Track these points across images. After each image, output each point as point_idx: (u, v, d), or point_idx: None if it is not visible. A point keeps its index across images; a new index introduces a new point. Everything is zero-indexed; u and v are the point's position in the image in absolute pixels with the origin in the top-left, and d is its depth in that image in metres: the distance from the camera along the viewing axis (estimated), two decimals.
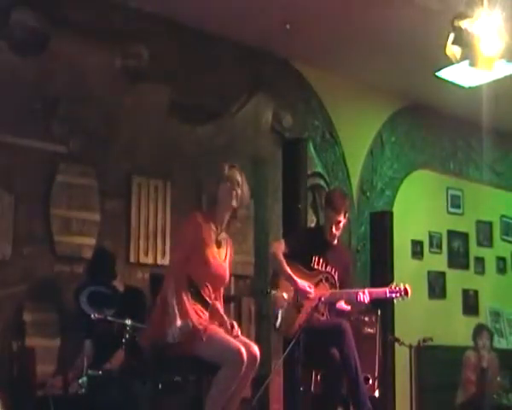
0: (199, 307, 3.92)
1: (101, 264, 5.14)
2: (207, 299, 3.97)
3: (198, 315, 3.88)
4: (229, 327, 3.96)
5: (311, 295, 4.74)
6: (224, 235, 4.08)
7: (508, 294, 8.54)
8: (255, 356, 3.85)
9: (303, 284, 4.77)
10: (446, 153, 8.27)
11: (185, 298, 3.83)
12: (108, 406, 4.24)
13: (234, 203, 4.02)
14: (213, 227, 4.01)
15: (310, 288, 4.77)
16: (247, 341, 3.97)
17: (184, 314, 3.77)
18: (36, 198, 5.21)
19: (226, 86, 6.34)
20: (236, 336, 3.92)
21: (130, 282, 5.39)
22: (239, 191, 4.03)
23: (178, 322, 3.73)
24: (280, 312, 4.79)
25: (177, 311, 3.76)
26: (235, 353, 3.70)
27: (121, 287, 5.14)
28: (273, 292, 4.90)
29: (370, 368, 5.30)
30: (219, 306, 4.09)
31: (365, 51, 6.50)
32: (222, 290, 4.13)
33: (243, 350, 3.70)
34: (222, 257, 4.05)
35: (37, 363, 4.91)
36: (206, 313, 3.97)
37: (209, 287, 3.97)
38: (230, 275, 4.16)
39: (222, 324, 4.02)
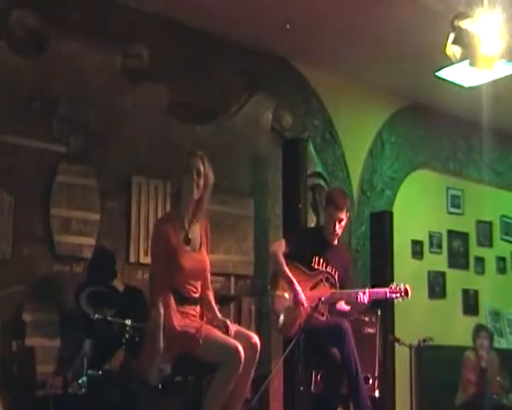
0: (188, 308, 3.92)
1: (101, 264, 5.13)
2: (193, 295, 3.96)
3: (190, 316, 3.89)
4: (224, 329, 3.89)
5: (303, 307, 4.72)
6: (194, 227, 3.99)
7: (508, 294, 8.54)
8: (256, 346, 3.84)
9: (300, 291, 4.76)
10: (446, 153, 8.26)
11: (174, 316, 3.81)
12: (108, 406, 4.24)
13: (195, 196, 3.91)
14: (178, 226, 3.94)
15: (305, 299, 4.74)
16: (247, 332, 3.98)
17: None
18: (36, 198, 5.21)
19: (226, 86, 6.34)
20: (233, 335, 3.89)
21: (130, 282, 5.39)
22: (201, 182, 3.91)
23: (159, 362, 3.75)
24: (282, 312, 4.80)
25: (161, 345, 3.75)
26: (232, 351, 3.69)
27: (121, 287, 5.14)
28: (274, 293, 4.90)
29: (370, 368, 5.30)
30: (211, 297, 4.06)
31: (365, 51, 6.50)
32: (207, 275, 4.08)
33: (240, 348, 3.69)
34: (196, 249, 3.99)
35: (37, 363, 4.91)
36: (198, 308, 3.98)
37: (190, 285, 3.95)
38: (208, 255, 4.08)
39: (213, 317, 3.99)
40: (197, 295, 3.99)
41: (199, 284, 4.01)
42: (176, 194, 4.02)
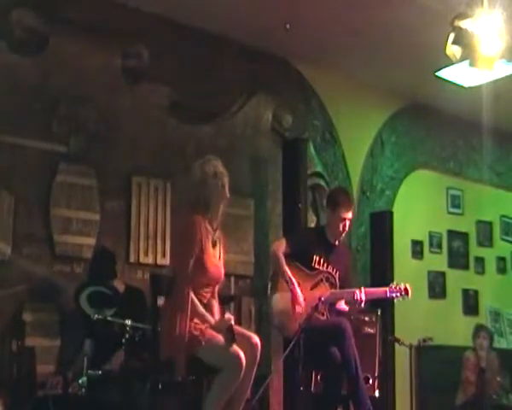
0: None
1: (102, 264, 5.13)
2: (203, 300, 3.97)
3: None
4: (228, 335, 3.84)
5: (299, 309, 4.71)
6: (218, 233, 4.04)
7: (508, 294, 8.54)
8: (256, 346, 3.84)
9: (298, 292, 4.75)
10: (446, 153, 8.26)
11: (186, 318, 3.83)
12: (108, 406, 4.24)
13: (228, 195, 4.00)
14: (209, 228, 3.97)
15: (303, 301, 4.73)
16: (246, 332, 3.98)
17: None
18: (36, 198, 5.21)
19: (226, 86, 6.34)
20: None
21: (131, 282, 5.39)
22: (226, 181, 3.99)
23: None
24: (282, 312, 4.79)
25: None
26: (234, 358, 3.68)
27: (121, 287, 5.13)
28: (275, 292, 4.89)
29: (370, 368, 5.30)
30: (215, 306, 4.06)
31: (365, 51, 6.50)
32: (217, 287, 4.11)
33: (242, 355, 3.69)
34: (217, 257, 4.03)
35: (37, 363, 4.92)
36: None
37: (204, 290, 3.96)
38: (225, 271, 4.13)
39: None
40: (205, 301, 4.00)
41: (210, 292, 4.02)
42: (204, 201, 3.96)
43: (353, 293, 4.76)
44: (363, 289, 4.79)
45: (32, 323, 5.01)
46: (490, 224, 8.66)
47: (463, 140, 8.39)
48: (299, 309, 4.70)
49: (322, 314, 4.79)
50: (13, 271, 5.01)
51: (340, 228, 4.93)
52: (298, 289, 4.74)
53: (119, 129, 5.66)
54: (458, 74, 6.24)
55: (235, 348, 3.73)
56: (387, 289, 4.85)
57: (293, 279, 4.76)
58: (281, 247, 4.91)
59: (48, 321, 5.08)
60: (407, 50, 6.37)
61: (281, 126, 6.74)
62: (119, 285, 5.09)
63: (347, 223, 4.95)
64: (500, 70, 5.34)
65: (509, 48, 4.48)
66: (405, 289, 4.81)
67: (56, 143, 5.34)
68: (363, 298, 4.74)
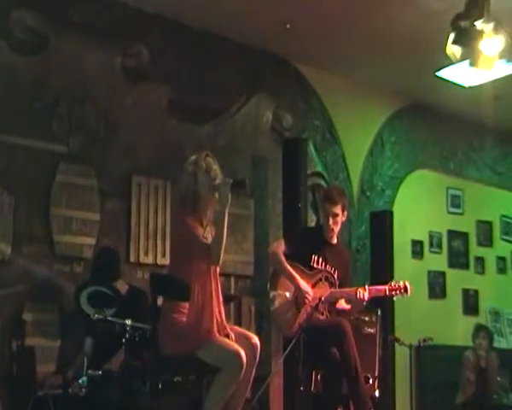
0: None
1: (104, 264, 5.12)
2: None
3: None
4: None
5: (310, 297, 4.72)
6: (208, 228, 3.99)
7: (508, 294, 8.54)
8: (256, 347, 3.84)
9: (304, 283, 4.75)
10: (446, 153, 8.27)
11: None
12: (108, 406, 4.24)
13: (217, 196, 3.90)
14: (199, 226, 3.94)
15: (310, 289, 4.76)
16: (246, 332, 3.98)
17: None
18: (36, 198, 5.21)
19: (226, 86, 6.35)
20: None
21: (131, 282, 5.38)
22: (218, 180, 3.90)
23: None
24: (282, 311, 4.79)
25: None
26: (235, 356, 3.68)
27: (125, 287, 5.11)
28: (274, 292, 4.89)
29: (370, 368, 5.30)
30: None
31: (365, 51, 6.50)
32: None
33: (243, 354, 3.69)
34: None
35: (37, 363, 4.92)
36: None
37: None
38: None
39: None
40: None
41: None
42: (193, 194, 3.92)
43: (356, 292, 4.75)
44: (366, 287, 4.78)
45: (32, 323, 5.01)
46: (490, 224, 8.66)
47: (463, 140, 8.40)
48: (307, 300, 4.69)
49: (322, 314, 4.78)
50: (13, 271, 5.01)
51: (330, 222, 4.90)
52: (301, 281, 4.73)
53: (119, 129, 5.66)
54: (458, 74, 6.24)
55: (236, 346, 3.73)
56: (387, 287, 4.84)
57: (296, 274, 4.75)
58: (279, 247, 4.91)
59: (48, 321, 5.09)
60: (407, 50, 6.37)
61: (281, 126, 6.74)
62: (123, 286, 5.07)
63: (336, 218, 4.89)
64: (500, 70, 5.34)
65: (509, 48, 4.48)
66: (405, 287, 4.80)
67: (56, 143, 5.35)
68: (367, 297, 4.73)
